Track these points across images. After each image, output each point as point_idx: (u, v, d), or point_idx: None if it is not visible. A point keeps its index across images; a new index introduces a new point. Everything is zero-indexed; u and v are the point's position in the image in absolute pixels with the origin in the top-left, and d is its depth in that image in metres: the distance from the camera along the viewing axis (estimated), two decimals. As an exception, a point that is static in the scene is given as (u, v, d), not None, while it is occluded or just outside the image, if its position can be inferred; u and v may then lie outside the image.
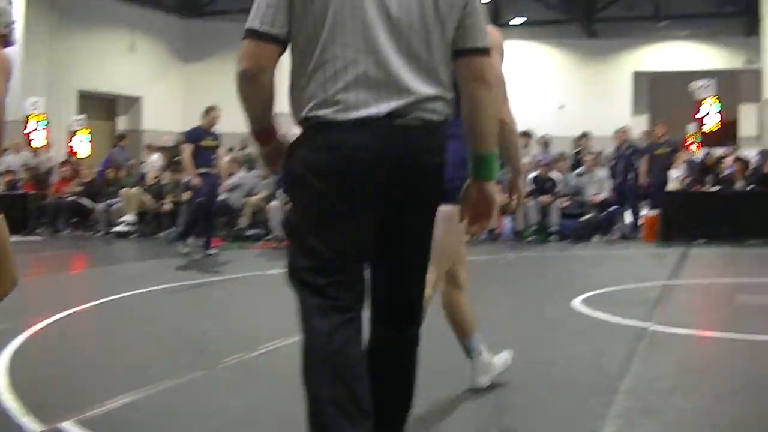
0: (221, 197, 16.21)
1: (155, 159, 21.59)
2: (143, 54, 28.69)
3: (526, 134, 19.31)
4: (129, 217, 18.48)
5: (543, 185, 17.20)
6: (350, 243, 3.06)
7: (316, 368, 2.98)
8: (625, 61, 33.31)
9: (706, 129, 20.68)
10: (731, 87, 34.79)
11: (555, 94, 33.57)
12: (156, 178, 19.54)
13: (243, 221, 17.66)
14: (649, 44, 34.09)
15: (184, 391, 5.20)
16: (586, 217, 17.07)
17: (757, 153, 20.37)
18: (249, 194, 17.88)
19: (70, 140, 22.95)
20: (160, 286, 10.21)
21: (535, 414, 4.70)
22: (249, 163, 18.78)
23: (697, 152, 20.42)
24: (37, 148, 21.68)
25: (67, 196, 19.63)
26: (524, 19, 33.52)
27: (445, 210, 3.74)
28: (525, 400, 4.93)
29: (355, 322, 3.08)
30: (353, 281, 3.10)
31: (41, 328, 7.18)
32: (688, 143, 22.28)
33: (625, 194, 17.54)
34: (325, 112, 2.97)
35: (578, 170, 17.98)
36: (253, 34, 2.99)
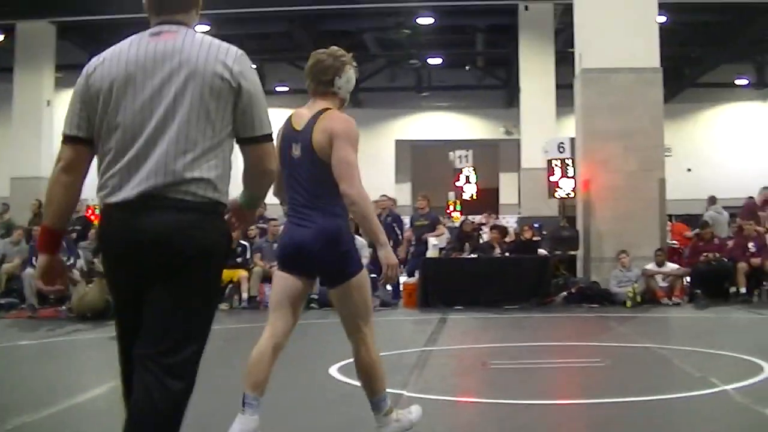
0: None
1: None
2: None
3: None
4: None
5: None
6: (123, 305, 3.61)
7: None
8: (389, 130, 33.84)
9: (465, 197, 21.11)
10: (492, 156, 35.93)
11: (319, 162, 33.73)
12: None
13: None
14: (411, 114, 34.86)
15: None
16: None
17: (516, 220, 20.91)
18: (2, 261, 17.02)
19: None
20: None
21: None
22: (6, 230, 17.89)
23: (457, 219, 20.78)
24: None
25: None
26: (287, 87, 33.60)
27: (344, 287, 5.03)
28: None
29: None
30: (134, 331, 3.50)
31: None
32: (449, 210, 22.71)
33: (387, 261, 17.53)
34: (99, 195, 3.53)
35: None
36: (64, 137, 3.60)
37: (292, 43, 29.45)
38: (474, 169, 23.52)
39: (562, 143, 21.06)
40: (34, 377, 8.54)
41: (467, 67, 33.47)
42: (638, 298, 15.85)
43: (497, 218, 25.37)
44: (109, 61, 3.57)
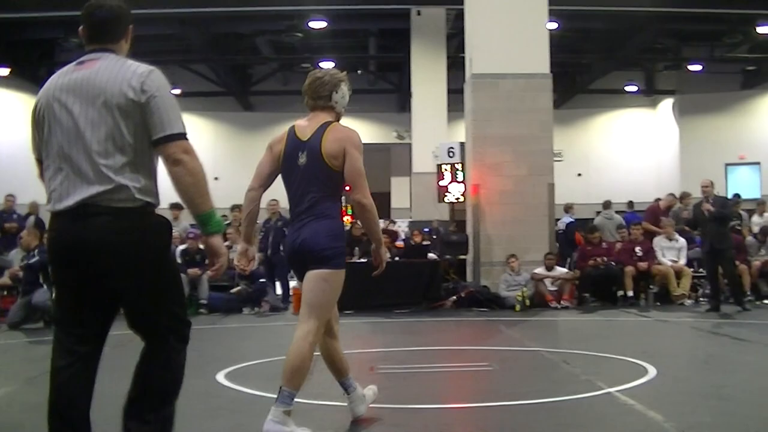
0: None
1: None
2: None
3: (177, 206, 18.89)
4: None
5: (192, 258, 16.79)
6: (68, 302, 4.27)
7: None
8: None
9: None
10: (384, 160, 35.97)
11: (209, 166, 33.42)
12: None
13: None
14: (303, 118, 34.76)
15: None
16: (236, 289, 16.83)
17: (407, 224, 20.90)
18: None
19: None
20: None
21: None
22: None
23: (348, 223, 20.70)
24: None
25: None
26: (179, 90, 33.15)
27: (320, 272, 5.59)
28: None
29: (79, 362, 4.21)
30: (77, 328, 4.24)
31: None
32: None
33: (276, 266, 17.44)
34: (47, 205, 4.25)
35: (226, 243, 17.71)
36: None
37: (184, 45, 29.06)
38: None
39: (452, 148, 21.14)
40: None
41: (359, 71, 33.47)
42: (527, 302, 15.96)
43: (395, 223, 25.34)
44: (45, 90, 4.27)
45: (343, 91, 6.00)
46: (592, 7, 24.68)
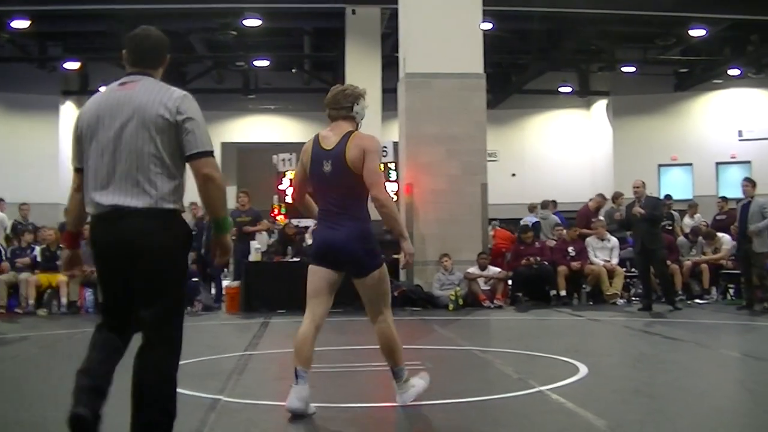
0: None
1: None
2: None
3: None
4: None
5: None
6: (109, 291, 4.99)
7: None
8: (215, 133, 32.97)
9: (288, 200, 20.94)
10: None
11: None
12: None
13: None
14: (238, 116, 34.54)
15: None
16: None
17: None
18: None
19: None
20: None
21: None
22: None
23: (283, 222, 20.57)
24: None
25: None
26: (113, 87, 32.73)
27: (367, 278, 6.39)
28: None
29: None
30: (115, 314, 4.95)
31: None
32: (275, 214, 22.48)
33: (209, 265, 17.29)
34: (87, 209, 4.93)
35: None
36: (73, 168, 5.04)
37: (116, 42, 28.66)
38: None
39: (385, 147, 21.09)
40: None
41: (294, 70, 33.31)
42: (461, 301, 15.98)
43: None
44: (88, 107, 4.90)
45: (363, 104, 6.57)
46: (527, 8, 24.77)
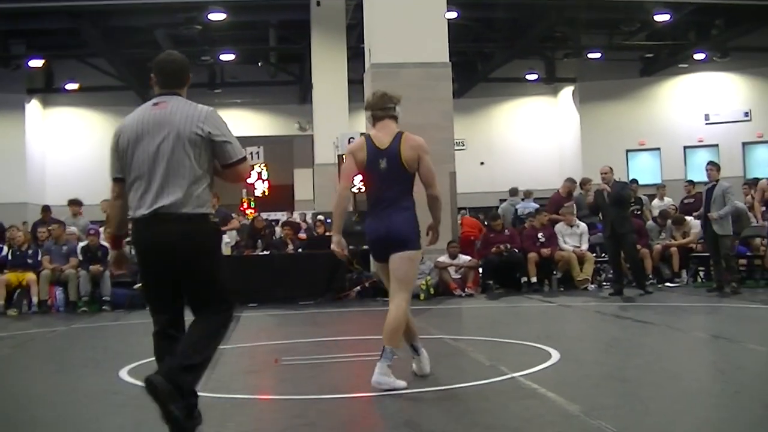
0: None
1: None
2: None
3: (76, 203, 18.70)
4: None
5: (94, 254, 16.48)
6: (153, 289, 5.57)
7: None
8: (181, 128, 33.30)
9: (257, 193, 20.88)
10: (287, 152, 35.74)
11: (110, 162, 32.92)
12: None
13: None
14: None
15: None
16: (139, 285, 16.53)
17: (312, 216, 20.80)
18: None
19: None
20: None
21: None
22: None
23: (251, 216, 20.51)
24: None
25: None
26: (77, 85, 32.59)
27: (405, 253, 7.05)
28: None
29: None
30: (162, 309, 5.51)
31: None
32: (244, 207, 22.42)
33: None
34: (131, 214, 5.50)
35: (128, 239, 17.44)
36: (112, 178, 5.61)
37: (80, 39, 28.45)
38: (266, 166, 23.30)
39: (352, 138, 21.07)
40: None
41: (260, 63, 33.22)
42: (432, 291, 15.98)
43: (323, 217, 25.10)
44: (127, 126, 5.49)
45: (400, 106, 7.41)
46: (491, -3, 24.85)
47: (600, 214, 16.27)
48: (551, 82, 35.88)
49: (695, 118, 33.83)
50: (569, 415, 5.80)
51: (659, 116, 34.19)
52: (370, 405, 6.71)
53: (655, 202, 20.77)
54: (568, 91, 36.25)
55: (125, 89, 33.38)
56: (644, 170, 32.78)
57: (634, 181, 21.76)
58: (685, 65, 33.61)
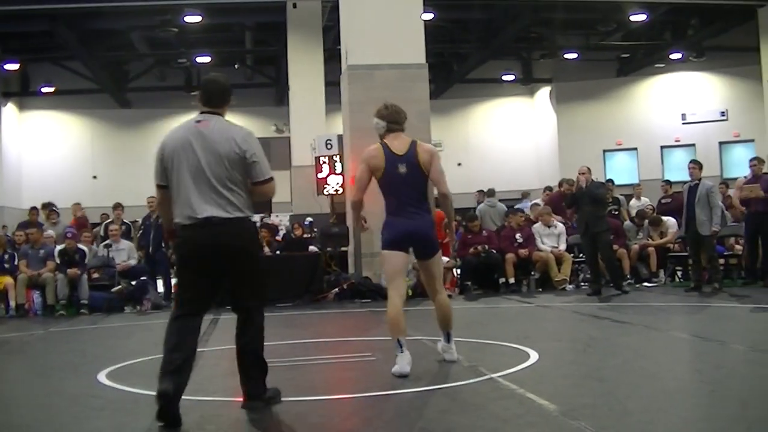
0: None
1: None
2: None
3: (49, 206, 18.64)
4: None
5: (71, 258, 16.42)
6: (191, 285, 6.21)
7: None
8: (159, 131, 32.90)
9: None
10: (264, 155, 35.71)
11: (87, 164, 32.85)
12: None
13: None
14: (182, 114, 34.04)
15: None
16: (117, 288, 16.51)
17: (288, 218, 20.77)
18: None
19: None
20: None
21: None
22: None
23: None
24: None
25: None
26: (53, 88, 32.39)
27: (436, 256, 7.89)
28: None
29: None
30: (199, 306, 6.25)
31: None
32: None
33: (158, 263, 17.18)
34: (175, 220, 6.19)
35: (106, 241, 17.44)
36: (156, 185, 6.31)
37: (55, 42, 28.31)
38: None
39: (329, 140, 21.13)
40: None
41: (236, 66, 33.15)
42: (410, 292, 15.93)
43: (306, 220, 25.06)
44: (172, 139, 6.18)
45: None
46: (466, -3, 24.86)
47: (573, 207, 16.28)
48: (528, 82, 35.93)
49: (672, 117, 33.96)
50: (548, 415, 5.81)
51: (636, 116, 34.30)
52: (349, 406, 6.73)
53: (632, 201, 20.82)
54: (544, 91, 36.32)
55: (101, 92, 33.24)
56: (621, 170, 32.87)
57: (610, 180, 21.80)
58: (662, 65, 33.74)
